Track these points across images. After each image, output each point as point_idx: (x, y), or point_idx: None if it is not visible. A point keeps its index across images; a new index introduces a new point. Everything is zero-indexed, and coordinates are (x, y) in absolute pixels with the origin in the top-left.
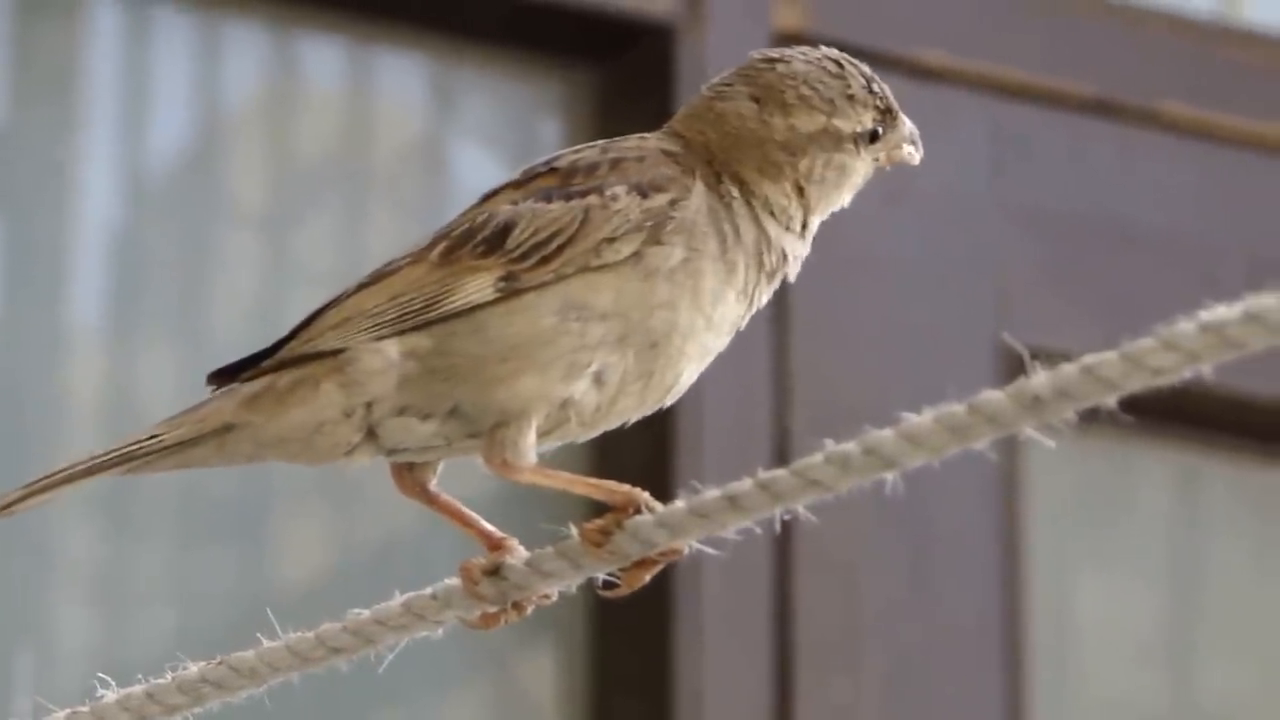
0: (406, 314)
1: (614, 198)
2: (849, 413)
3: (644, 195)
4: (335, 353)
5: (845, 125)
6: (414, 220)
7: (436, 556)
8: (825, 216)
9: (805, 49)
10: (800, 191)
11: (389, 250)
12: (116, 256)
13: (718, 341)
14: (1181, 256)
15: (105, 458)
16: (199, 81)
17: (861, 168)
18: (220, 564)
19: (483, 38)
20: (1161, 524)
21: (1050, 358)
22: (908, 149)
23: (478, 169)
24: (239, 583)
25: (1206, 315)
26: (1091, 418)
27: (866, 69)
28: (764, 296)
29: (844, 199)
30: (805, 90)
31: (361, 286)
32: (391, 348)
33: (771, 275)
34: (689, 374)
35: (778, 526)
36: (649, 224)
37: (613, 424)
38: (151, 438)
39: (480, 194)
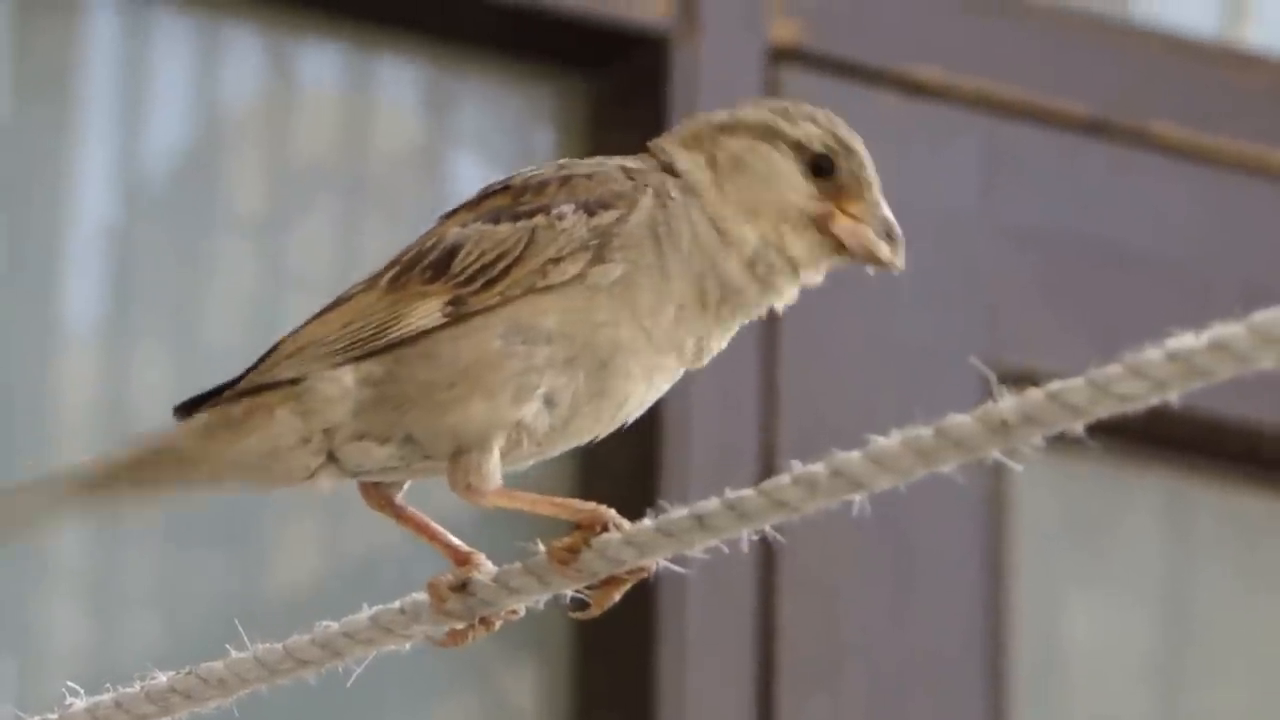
0: (358, 341)
1: (560, 216)
2: (837, 432)
3: (591, 213)
4: (292, 381)
5: (788, 128)
6: (409, 226)
7: (425, 565)
8: (752, 248)
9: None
10: (714, 164)
11: (384, 256)
12: (112, 258)
13: (665, 360)
14: (1173, 278)
15: (59, 483)
16: (196, 84)
17: (801, 187)
18: (209, 571)
19: (478, 45)
20: (1147, 547)
21: (1043, 379)
22: (878, 241)
23: (472, 176)
24: (227, 590)
25: (1173, 343)
26: (1077, 440)
27: (850, 130)
28: (705, 330)
29: (771, 219)
30: (763, 99)
31: (318, 315)
32: (347, 375)
33: (701, 297)
34: (639, 393)
35: (745, 546)
36: (595, 242)
37: (570, 444)
38: (104, 459)
39: (440, 215)
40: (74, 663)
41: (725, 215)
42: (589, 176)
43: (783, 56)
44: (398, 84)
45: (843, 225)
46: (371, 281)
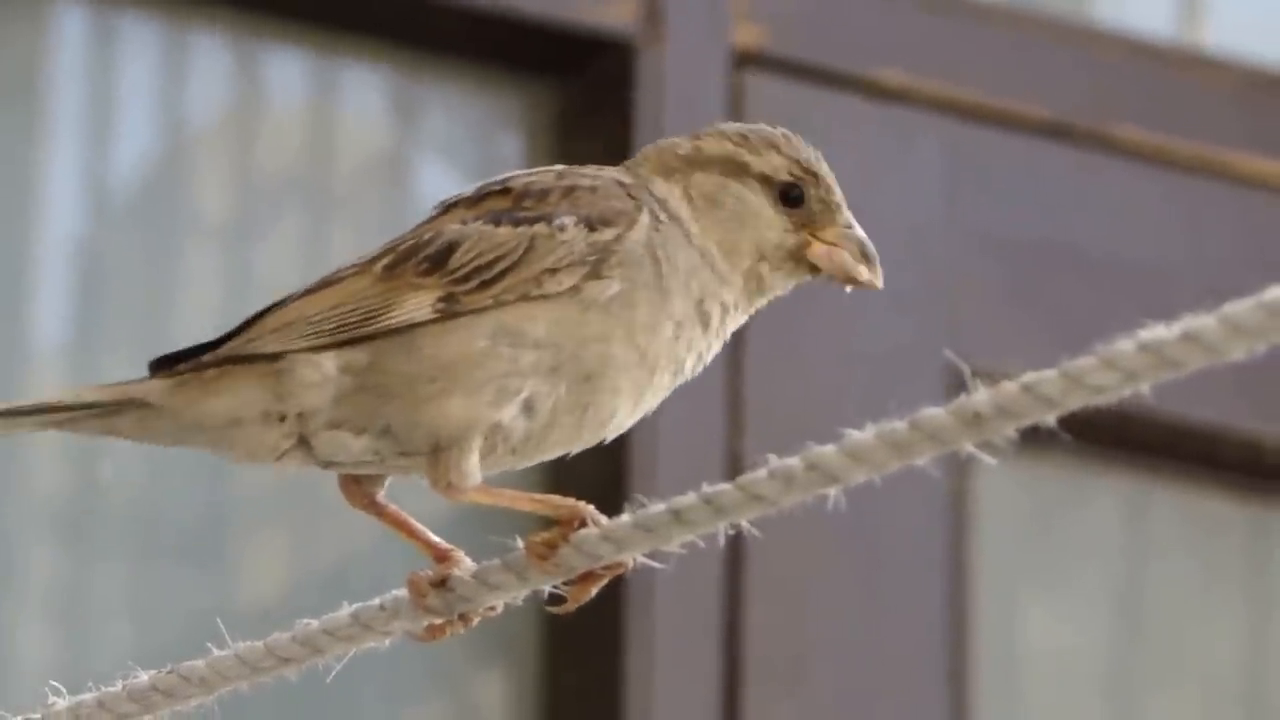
0: (345, 325)
1: (561, 228)
2: (802, 435)
3: (592, 228)
4: (273, 356)
5: (753, 161)
6: (375, 234)
7: (394, 575)
8: (741, 282)
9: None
10: (689, 198)
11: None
12: (80, 269)
13: (654, 379)
14: (1136, 281)
15: (26, 406)
16: (163, 93)
17: (774, 221)
18: (179, 583)
19: (444, 52)
20: (1108, 548)
21: (1005, 382)
22: (855, 262)
23: (438, 183)
24: (197, 602)
25: (1145, 334)
26: (1039, 441)
27: (811, 151)
28: (704, 347)
29: (749, 255)
30: (723, 127)
31: (307, 292)
32: (328, 361)
33: (701, 317)
34: (625, 410)
35: (722, 542)
36: (593, 258)
37: (547, 455)
38: (74, 395)
39: (436, 205)
40: (48, 674)
41: (710, 249)
42: (591, 190)
43: (747, 61)
44: (364, 91)
45: (819, 252)
46: (364, 266)
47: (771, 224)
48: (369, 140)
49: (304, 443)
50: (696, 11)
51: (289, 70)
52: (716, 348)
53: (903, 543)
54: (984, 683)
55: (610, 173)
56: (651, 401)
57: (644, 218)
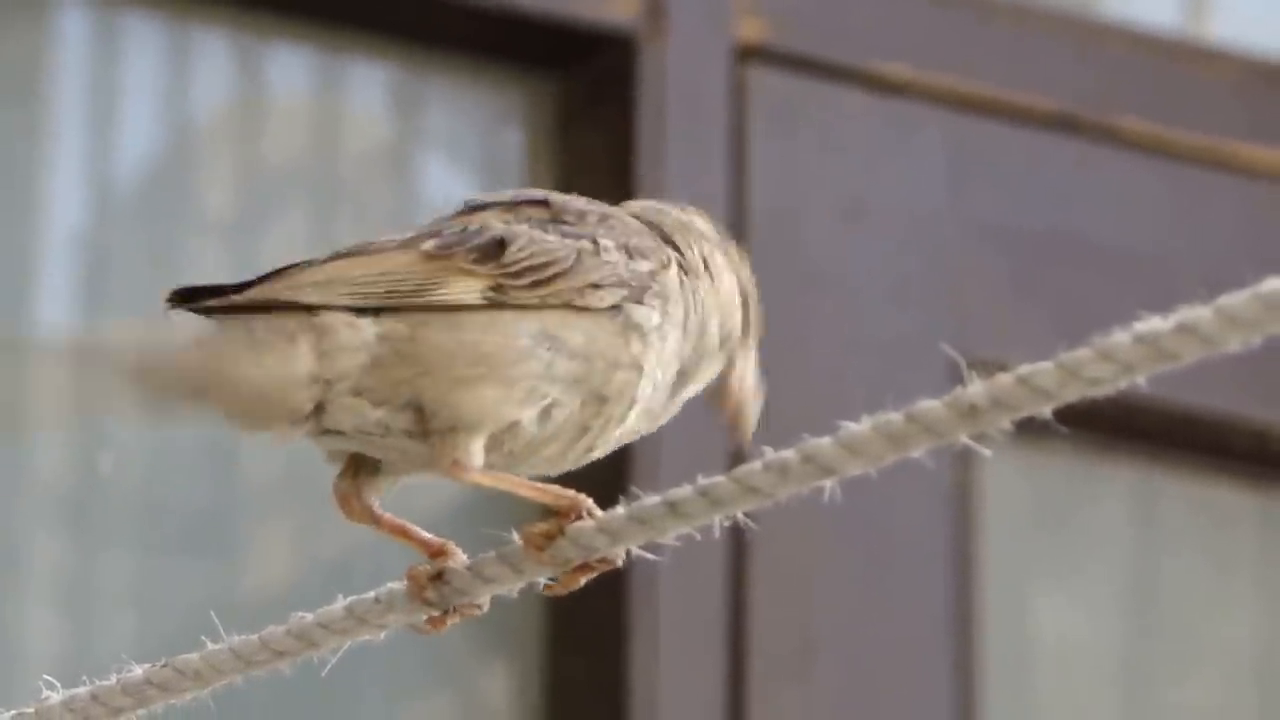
0: (394, 292)
1: (606, 249)
2: (807, 428)
3: (630, 257)
4: (309, 311)
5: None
6: (379, 228)
7: (400, 564)
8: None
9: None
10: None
11: None
12: (84, 264)
13: (648, 422)
14: (1140, 272)
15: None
16: (166, 88)
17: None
18: (185, 573)
19: (446, 47)
20: (1116, 539)
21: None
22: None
23: (441, 178)
24: (203, 592)
25: (1141, 326)
26: (1047, 430)
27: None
28: (675, 407)
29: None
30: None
31: (339, 256)
32: (368, 326)
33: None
34: (605, 444)
35: (724, 534)
36: (634, 284)
37: (534, 469)
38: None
39: (463, 202)
40: (48, 666)
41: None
42: (624, 223)
43: (749, 55)
44: (366, 86)
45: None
46: (405, 244)
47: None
48: (372, 135)
49: (320, 409)
50: (698, 6)
51: (292, 65)
52: (673, 412)
53: (909, 533)
54: (991, 674)
55: (633, 219)
56: (617, 442)
57: (674, 263)
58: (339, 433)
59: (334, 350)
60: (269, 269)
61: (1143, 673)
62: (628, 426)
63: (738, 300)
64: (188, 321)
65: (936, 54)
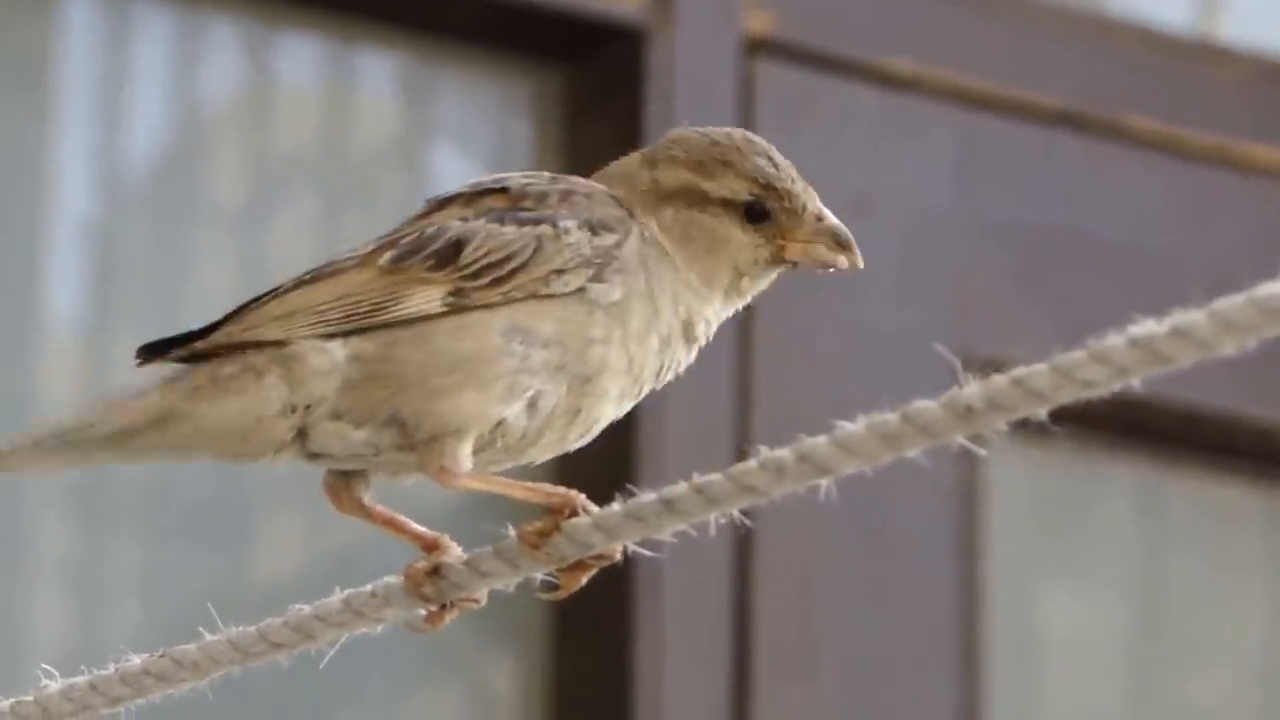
0: (352, 315)
1: (566, 231)
2: (811, 421)
3: (594, 233)
4: (277, 345)
5: (711, 188)
6: (388, 218)
7: (405, 555)
8: (722, 297)
9: (727, 130)
10: (665, 229)
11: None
12: (93, 254)
13: (635, 388)
14: (1146, 269)
15: (44, 436)
16: (175, 78)
17: (746, 242)
18: (193, 561)
19: (456, 38)
20: (1121, 536)
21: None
22: (831, 253)
23: (450, 168)
24: (211, 580)
25: (1136, 329)
26: (1050, 429)
27: (776, 155)
28: (682, 360)
29: (728, 276)
30: (678, 151)
31: (302, 283)
32: (337, 349)
33: (687, 333)
34: (608, 416)
35: (730, 528)
36: (597, 261)
37: (534, 457)
38: (91, 425)
39: (426, 201)
40: (54, 653)
41: (691, 280)
42: (588, 196)
43: (757, 48)
44: (376, 77)
45: (794, 252)
46: (364, 259)
47: (743, 246)
48: (382, 125)
49: (302, 435)
50: None
51: (302, 55)
52: (694, 355)
53: (914, 531)
54: (996, 672)
55: (599, 185)
56: (624, 410)
57: (635, 231)
58: (329, 456)
59: (305, 377)
60: (234, 307)
61: (1147, 670)
62: (624, 391)
63: (730, 229)
64: (156, 374)
65: (944, 49)
